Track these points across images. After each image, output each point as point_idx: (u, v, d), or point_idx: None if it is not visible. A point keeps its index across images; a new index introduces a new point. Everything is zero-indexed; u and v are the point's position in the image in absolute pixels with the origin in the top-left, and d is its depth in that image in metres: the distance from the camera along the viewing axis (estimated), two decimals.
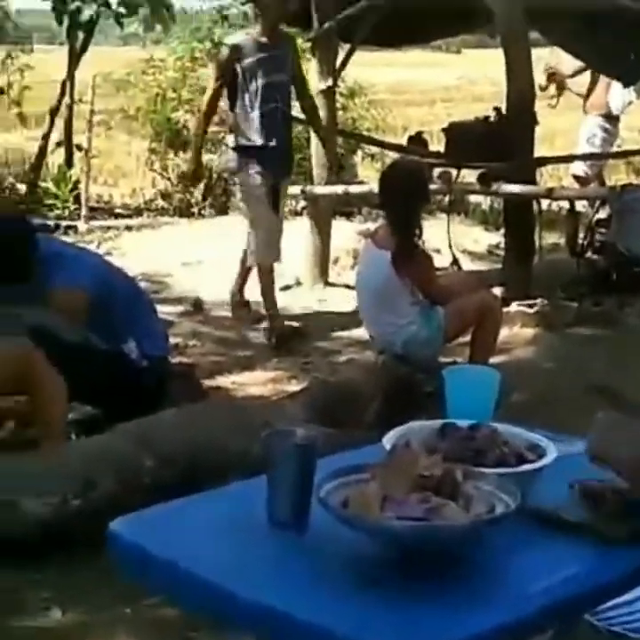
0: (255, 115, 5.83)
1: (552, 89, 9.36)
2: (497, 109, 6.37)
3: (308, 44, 7.24)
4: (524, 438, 2.00)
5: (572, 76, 9.17)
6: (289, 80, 6.01)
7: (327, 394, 4.28)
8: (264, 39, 5.89)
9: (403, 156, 6.99)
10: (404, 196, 4.65)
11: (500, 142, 6.07)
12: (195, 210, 9.90)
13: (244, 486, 1.95)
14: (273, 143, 5.85)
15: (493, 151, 6.09)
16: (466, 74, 23.47)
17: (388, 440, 1.94)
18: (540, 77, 9.39)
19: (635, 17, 5.61)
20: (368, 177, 10.83)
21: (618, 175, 11.84)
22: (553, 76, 9.22)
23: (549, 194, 6.11)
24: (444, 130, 6.71)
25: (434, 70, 24.89)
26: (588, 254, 6.62)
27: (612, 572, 1.64)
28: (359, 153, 10.95)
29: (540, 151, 8.51)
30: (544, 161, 7.78)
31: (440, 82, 23.39)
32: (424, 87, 22.56)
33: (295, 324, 6.19)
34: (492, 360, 4.91)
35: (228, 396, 5.06)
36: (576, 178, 9.38)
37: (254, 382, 5.35)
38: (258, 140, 5.85)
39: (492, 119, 6.35)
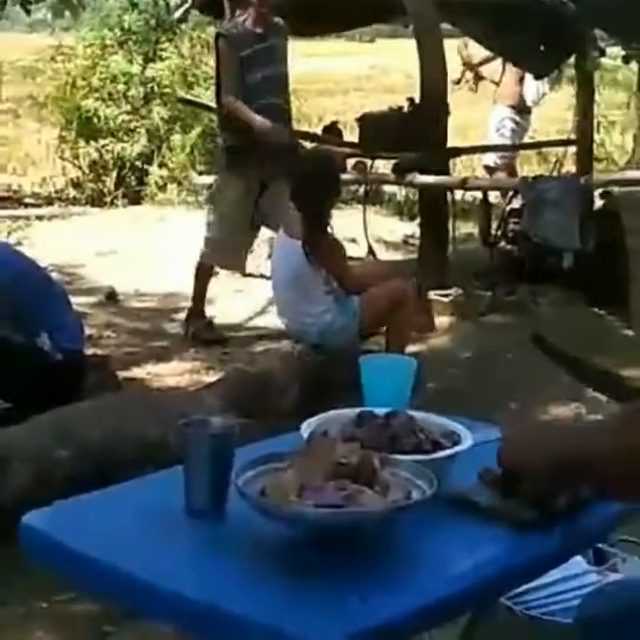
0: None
1: (469, 76, 9.48)
2: (410, 100, 6.41)
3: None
4: (439, 425, 2.01)
5: (480, 63, 9.27)
6: (286, 72, 5.69)
7: (244, 384, 4.28)
8: (259, 29, 5.58)
9: (314, 147, 6.97)
10: (314, 187, 4.65)
11: (414, 132, 6.12)
12: (107, 199, 9.78)
13: (161, 477, 1.93)
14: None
15: (407, 141, 6.14)
16: (379, 63, 23.56)
17: (305, 428, 1.94)
18: (454, 68, 9.52)
19: (544, 9, 5.69)
20: None
21: (530, 166, 12.03)
22: (468, 65, 9.33)
23: (463, 184, 6.18)
24: (357, 120, 6.73)
25: (347, 60, 24.91)
26: (502, 244, 6.70)
27: (527, 555, 1.67)
28: None
29: (454, 142, 8.60)
30: (458, 151, 7.86)
31: (353, 71, 23.43)
32: (337, 77, 22.57)
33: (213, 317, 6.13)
34: (408, 349, 4.96)
35: (143, 386, 5.02)
36: (487, 168, 9.50)
37: (170, 373, 5.31)
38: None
39: (405, 109, 6.39)
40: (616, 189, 5.38)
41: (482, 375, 5.17)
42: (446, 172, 6.54)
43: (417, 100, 6.33)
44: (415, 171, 6.03)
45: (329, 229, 4.77)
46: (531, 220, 5.75)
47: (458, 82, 9.28)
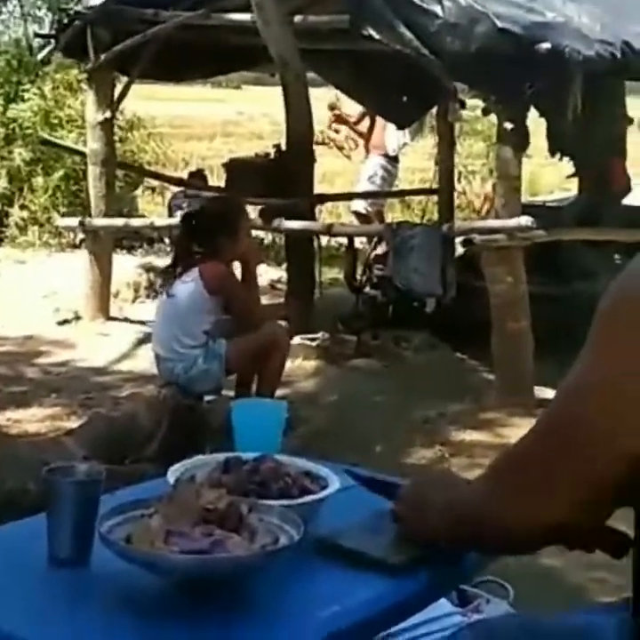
0: None
1: (340, 129, 9.71)
2: (277, 146, 6.48)
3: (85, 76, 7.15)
4: (307, 470, 2.01)
5: (358, 121, 9.50)
6: None
7: (108, 428, 4.20)
8: None
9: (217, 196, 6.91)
10: (212, 225, 4.81)
11: (280, 179, 6.17)
12: None
13: (22, 526, 1.87)
14: None
15: (273, 187, 6.18)
16: (245, 110, 23.77)
17: (171, 474, 1.92)
18: (322, 116, 9.71)
19: (405, 61, 5.82)
20: (148, 211, 10.79)
21: (395, 213, 12.29)
22: (338, 118, 9.54)
23: (329, 230, 6.25)
24: (224, 165, 6.76)
25: (214, 105, 25.03)
26: (367, 289, 6.80)
27: (394, 599, 1.67)
28: (140, 188, 10.88)
29: (321, 188, 8.72)
30: (324, 198, 7.97)
31: (220, 117, 23.56)
32: (204, 121, 22.65)
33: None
34: (277, 392, 4.98)
35: (1, 434, 4.87)
36: (357, 215, 9.68)
37: (31, 419, 5.18)
38: None
39: (272, 156, 6.44)
40: (477, 237, 5.51)
41: (348, 419, 5.22)
42: (312, 217, 6.61)
43: (283, 147, 6.39)
44: (281, 216, 6.07)
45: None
46: (395, 266, 5.85)
47: (324, 142, 9.52)
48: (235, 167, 6.57)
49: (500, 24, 5.15)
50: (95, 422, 4.32)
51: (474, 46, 5.21)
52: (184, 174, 10.12)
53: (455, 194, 10.45)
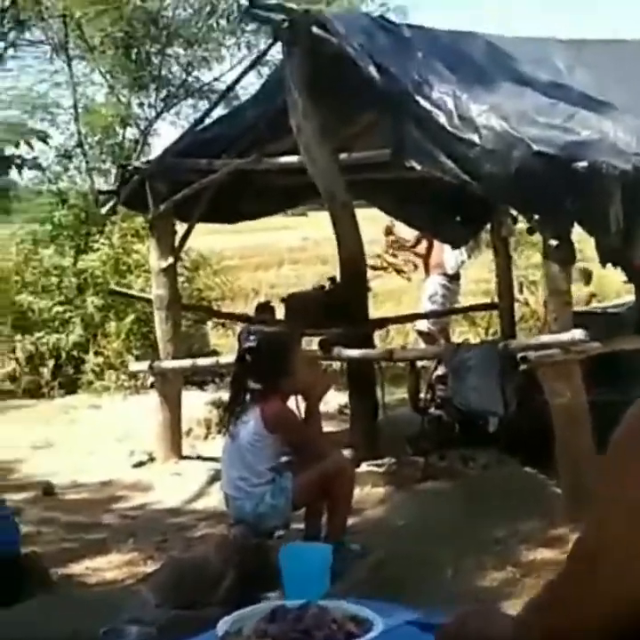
0: None
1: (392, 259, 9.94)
2: (331, 279, 6.66)
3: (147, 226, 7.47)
4: (352, 614, 2.08)
5: (415, 245, 9.72)
6: None
7: (180, 573, 4.27)
8: None
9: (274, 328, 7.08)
10: (270, 362, 4.87)
11: (336, 309, 6.33)
12: (44, 390, 9.85)
13: None
14: None
15: (331, 318, 6.35)
16: (311, 235, 24.22)
17: (221, 627, 2.00)
18: (381, 236, 9.95)
19: (455, 183, 5.99)
20: (220, 345, 11.03)
21: (461, 328, 12.38)
22: (394, 244, 9.77)
23: (389, 356, 6.36)
24: (282, 300, 6.96)
25: (280, 233, 25.60)
26: (431, 410, 6.86)
27: None
28: (209, 323, 11.16)
29: (386, 307, 8.82)
30: (383, 322, 8.10)
31: (286, 243, 24.06)
32: (271, 250, 23.14)
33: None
34: (348, 522, 5.04)
35: (80, 583, 4.99)
36: (420, 334, 9.82)
37: (109, 566, 5.29)
38: None
39: (327, 288, 6.63)
40: (532, 353, 5.57)
41: (419, 544, 5.22)
42: (371, 343, 6.75)
43: (337, 279, 6.58)
44: (340, 345, 6.21)
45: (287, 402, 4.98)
46: (454, 387, 5.92)
47: (380, 267, 9.75)
48: (293, 301, 6.77)
49: (535, 147, 5.30)
50: (167, 567, 4.41)
51: (512, 170, 5.36)
52: (254, 305, 10.37)
53: (518, 305, 10.59)
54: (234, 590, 4.06)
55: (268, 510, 4.82)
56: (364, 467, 6.17)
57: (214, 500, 6.01)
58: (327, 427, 7.87)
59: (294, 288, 8.53)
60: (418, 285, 10.66)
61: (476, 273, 13.20)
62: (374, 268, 9.89)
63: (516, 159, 5.36)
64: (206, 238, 12.12)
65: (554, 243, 5.43)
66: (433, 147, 5.64)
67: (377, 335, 11.58)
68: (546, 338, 5.60)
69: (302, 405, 5.11)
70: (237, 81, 7.99)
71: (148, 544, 5.60)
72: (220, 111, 8.70)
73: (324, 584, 2.34)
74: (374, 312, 13.22)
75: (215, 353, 9.82)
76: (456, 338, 10.88)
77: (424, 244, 9.69)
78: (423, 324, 9.73)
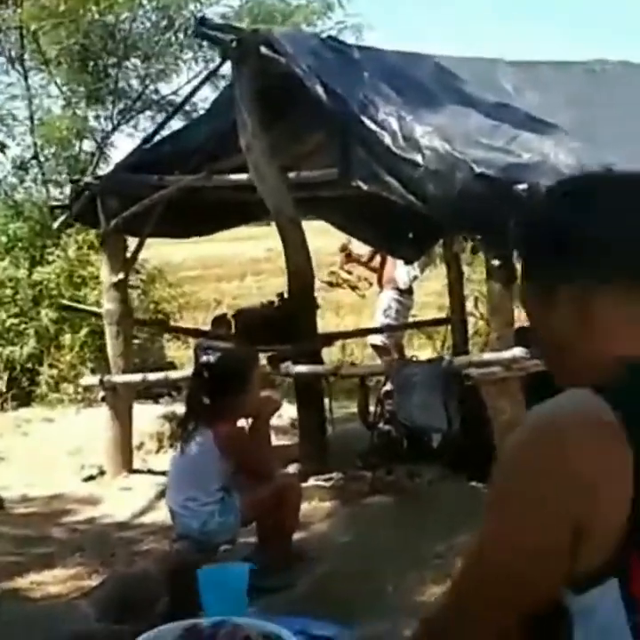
0: None
1: (353, 270, 10.02)
2: (280, 294, 6.74)
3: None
4: (266, 632, 2.16)
5: (369, 260, 9.82)
6: None
7: (120, 588, 4.31)
8: None
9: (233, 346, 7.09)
10: (225, 382, 4.91)
11: (285, 325, 6.41)
12: None
13: None
14: None
15: (280, 334, 6.41)
16: (275, 246, 24.08)
17: None
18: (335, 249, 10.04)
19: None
20: (178, 357, 11.07)
21: (420, 340, 12.50)
22: (349, 259, 9.87)
23: (336, 372, 6.45)
24: (233, 316, 7.03)
25: (244, 243, 25.59)
26: (381, 425, 6.95)
27: None
28: (165, 335, 11.19)
29: (343, 321, 8.80)
30: (332, 338, 8.18)
31: (250, 255, 24.07)
32: (234, 260, 23.14)
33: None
34: (294, 536, 5.12)
35: (24, 597, 5.01)
36: (375, 347, 9.93)
37: (54, 580, 5.32)
38: None
39: (276, 303, 6.71)
40: (475, 370, 5.67)
41: (362, 559, 5.29)
42: (319, 359, 6.83)
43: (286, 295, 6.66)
44: (289, 361, 6.28)
45: (239, 422, 5.02)
46: (399, 403, 6.02)
47: (335, 284, 9.83)
48: (242, 317, 6.84)
49: (477, 169, 5.41)
50: (108, 582, 4.45)
51: (454, 191, 5.46)
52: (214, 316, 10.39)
53: (474, 320, 10.72)
54: (173, 606, 4.11)
55: (215, 528, 4.88)
56: (311, 481, 6.24)
57: (163, 514, 6.04)
58: (280, 440, 7.95)
59: (257, 299, 8.56)
60: (373, 300, 10.76)
61: (435, 286, 13.32)
62: (330, 283, 10.00)
63: (458, 180, 5.46)
64: (168, 249, 12.14)
65: (496, 263, 5.54)
66: (378, 167, 5.73)
67: (338, 348, 11.69)
68: (488, 355, 5.70)
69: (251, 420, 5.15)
70: (189, 97, 8.06)
71: (95, 558, 5.63)
72: (178, 124, 8.77)
73: (243, 603, 2.40)
74: (338, 324, 13.32)
75: (172, 366, 9.86)
76: (414, 351, 10.99)
77: (378, 259, 9.80)
78: (377, 338, 9.84)
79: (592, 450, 1.24)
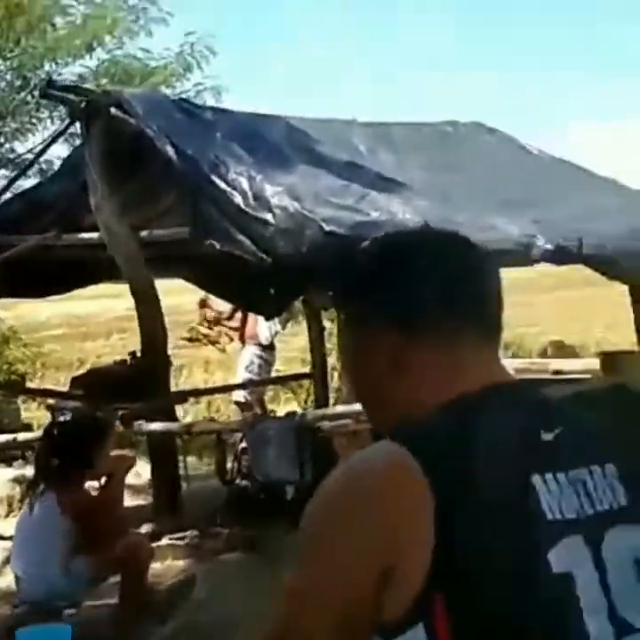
0: None
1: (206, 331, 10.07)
2: (132, 353, 6.74)
3: None
4: None
5: (230, 317, 9.88)
6: None
7: None
8: None
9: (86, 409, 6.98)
10: (79, 448, 4.82)
11: (139, 383, 6.40)
12: None
13: None
14: None
15: (133, 392, 6.40)
16: None
17: None
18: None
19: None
20: (35, 418, 10.85)
21: (286, 395, 12.57)
22: (207, 319, 9.91)
23: (189, 430, 6.46)
24: (85, 376, 6.98)
25: (110, 301, 25.32)
26: (237, 481, 6.95)
27: None
28: (20, 397, 10.99)
29: (213, 378, 8.74)
30: (186, 395, 8.19)
31: (115, 312, 23.81)
32: (100, 318, 22.88)
33: None
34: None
35: None
36: (237, 404, 9.96)
37: None
38: None
39: (129, 362, 6.70)
40: (327, 423, 5.77)
41: (213, 615, 5.27)
42: (173, 417, 6.82)
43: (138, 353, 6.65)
44: (142, 419, 6.26)
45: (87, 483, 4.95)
46: (253, 459, 6.06)
47: (195, 339, 9.86)
48: (95, 377, 6.81)
49: (326, 227, 5.55)
50: None
51: (304, 249, 5.58)
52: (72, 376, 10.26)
53: (337, 374, 10.85)
54: None
55: (60, 591, 4.78)
56: (165, 540, 6.18)
57: (9, 579, 5.91)
58: (136, 499, 7.86)
59: (120, 358, 8.49)
60: (236, 356, 10.80)
61: (299, 342, 13.44)
62: (190, 339, 10.01)
63: (307, 238, 5.59)
64: (30, 307, 11.96)
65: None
66: (230, 225, 5.82)
67: (204, 405, 11.63)
68: (340, 408, 5.82)
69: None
70: (38, 156, 8.08)
71: None
72: (32, 182, 8.70)
73: None
74: (206, 380, 13.23)
75: (28, 428, 9.66)
76: (280, 406, 11.04)
77: (239, 315, 9.86)
78: (241, 394, 9.87)
79: (394, 494, 1.28)
